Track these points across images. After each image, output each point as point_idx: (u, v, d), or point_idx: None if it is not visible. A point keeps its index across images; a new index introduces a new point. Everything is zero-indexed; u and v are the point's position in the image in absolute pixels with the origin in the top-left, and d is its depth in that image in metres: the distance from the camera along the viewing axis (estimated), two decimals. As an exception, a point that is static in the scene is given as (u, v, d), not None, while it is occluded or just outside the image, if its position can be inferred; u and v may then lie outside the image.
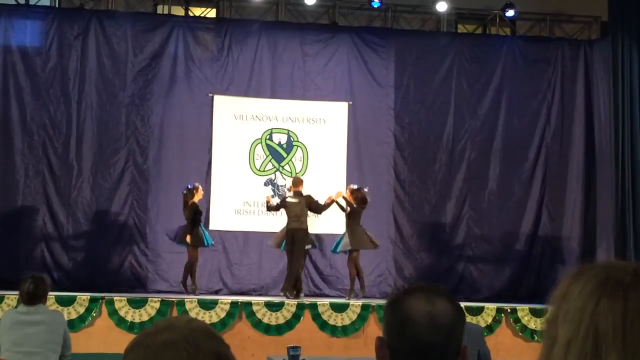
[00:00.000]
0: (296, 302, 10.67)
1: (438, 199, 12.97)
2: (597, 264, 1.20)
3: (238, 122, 12.77)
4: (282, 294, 11.20)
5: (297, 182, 11.58)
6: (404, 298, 1.78)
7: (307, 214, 11.36)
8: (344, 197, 11.62)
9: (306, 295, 11.68)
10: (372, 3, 13.03)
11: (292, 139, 12.92)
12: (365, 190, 11.63)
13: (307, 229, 11.34)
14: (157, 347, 1.26)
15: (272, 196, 12.16)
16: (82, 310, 10.14)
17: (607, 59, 12.52)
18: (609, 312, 1.12)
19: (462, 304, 1.85)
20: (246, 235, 12.51)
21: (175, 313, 10.16)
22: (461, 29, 13.84)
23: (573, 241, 12.98)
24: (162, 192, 12.33)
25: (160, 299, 10.49)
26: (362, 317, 10.61)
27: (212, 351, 1.27)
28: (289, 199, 11.44)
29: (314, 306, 10.61)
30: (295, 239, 11.18)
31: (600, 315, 1.12)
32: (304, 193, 11.49)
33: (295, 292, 11.20)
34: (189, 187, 11.43)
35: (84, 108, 12.29)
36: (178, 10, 13.01)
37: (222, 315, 10.38)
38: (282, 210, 11.58)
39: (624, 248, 11.79)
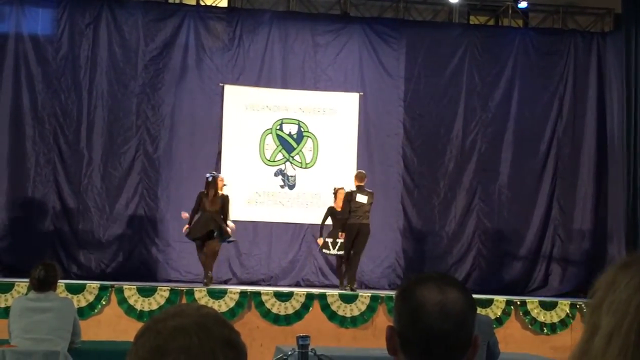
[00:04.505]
0: (305, 293, 10.67)
1: (448, 191, 12.94)
2: None
3: (249, 112, 12.77)
4: (348, 287, 11.01)
5: (363, 176, 11.30)
6: (415, 287, 1.76)
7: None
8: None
9: (315, 286, 11.69)
10: (384, -7, 13.00)
11: (303, 130, 12.91)
12: None
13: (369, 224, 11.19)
14: (168, 333, 1.25)
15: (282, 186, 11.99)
16: (91, 298, 10.18)
17: (620, 51, 12.45)
18: None
19: (472, 296, 1.83)
20: (255, 226, 12.52)
21: (184, 302, 10.18)
22: (473, 20, 13.78)
23: (584, 234, 12.93)
24: (172, 182, 12.34)
25: (169, 288, 10.51)
26: (371, 308, 10.61)
27: (223, 337, 1.26)
28: (358, 195, 11.08)
29: (323, 297, 10.61)
30: (361, 233, 11.03)
31: None
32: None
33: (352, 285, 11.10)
34: (215, 175, 11.04)
35: (95, 97, 12.31)
36: (189, 0, 12.99)
37: (231, 304, 10.40)
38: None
39: (635, 241, 11.74)
